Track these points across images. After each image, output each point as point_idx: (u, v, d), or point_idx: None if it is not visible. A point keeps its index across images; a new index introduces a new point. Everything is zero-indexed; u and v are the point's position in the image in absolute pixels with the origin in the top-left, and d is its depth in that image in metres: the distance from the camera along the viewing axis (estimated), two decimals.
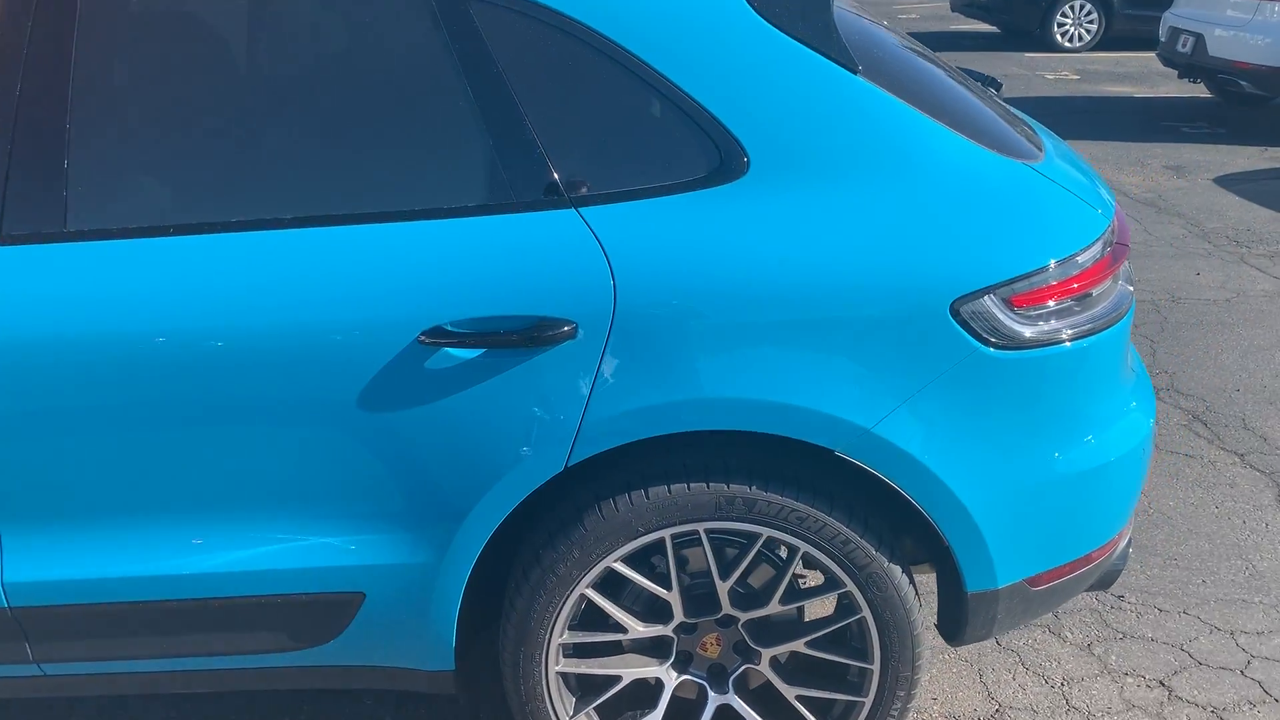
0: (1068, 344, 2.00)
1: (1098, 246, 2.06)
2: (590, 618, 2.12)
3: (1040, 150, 2.24)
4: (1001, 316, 1.94)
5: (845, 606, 2.11)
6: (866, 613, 2.08)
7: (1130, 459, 2.16)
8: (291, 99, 2.07)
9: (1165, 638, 2.80)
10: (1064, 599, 2.28)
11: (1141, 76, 11.07)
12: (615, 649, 2.18)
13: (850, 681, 2.17)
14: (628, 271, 1.90)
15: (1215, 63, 8.40)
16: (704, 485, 1.98)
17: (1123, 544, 2.32)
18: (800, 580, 2.35)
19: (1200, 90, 9.68)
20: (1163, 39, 9.13)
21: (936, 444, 1.97)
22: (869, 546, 2.02)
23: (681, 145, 1.96)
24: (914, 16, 15.67)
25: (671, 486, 1.98)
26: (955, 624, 2.18)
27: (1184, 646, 2.76)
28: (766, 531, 2.02)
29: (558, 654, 2.11)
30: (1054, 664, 2.72)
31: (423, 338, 1.88)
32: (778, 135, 1.97)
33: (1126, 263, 2.27)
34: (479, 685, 2.56)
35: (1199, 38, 8.49)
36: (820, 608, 2.20)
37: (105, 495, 1.98)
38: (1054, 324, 1.99)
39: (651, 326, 1.90)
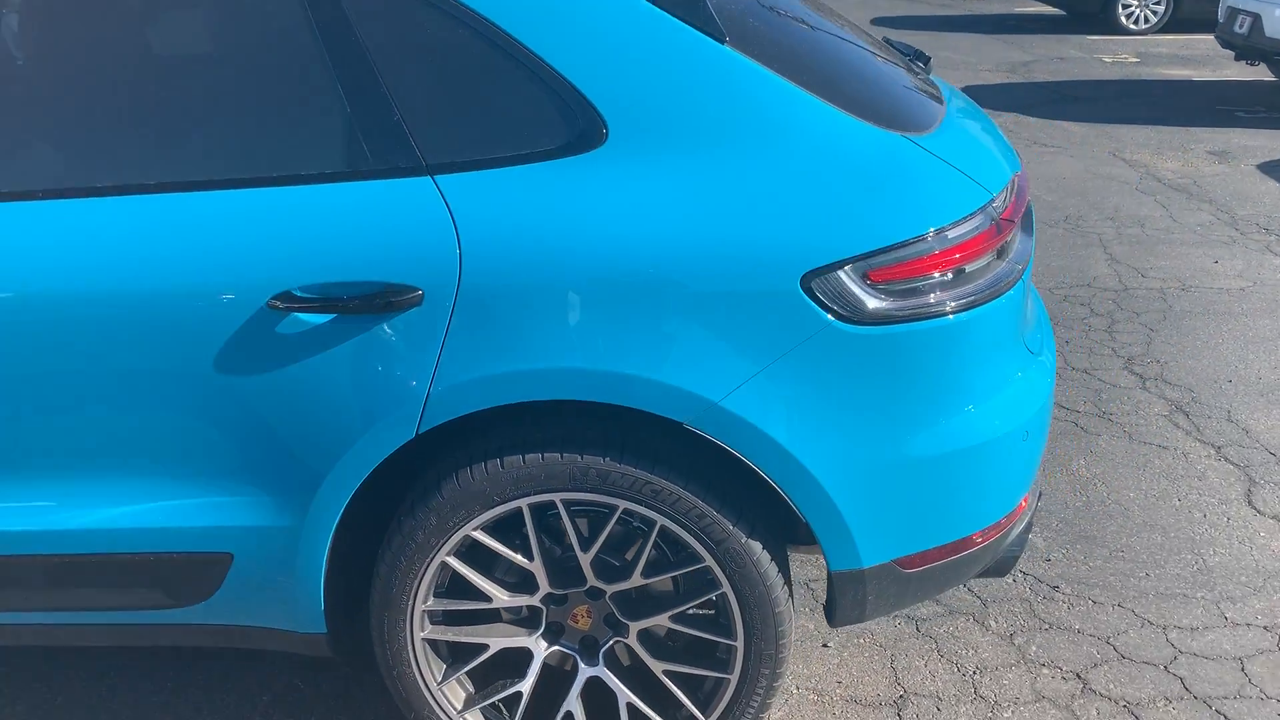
0: (933, 320, 1.96)
1: (973, 221, 2.00)
2: (457, 586, 2.14)
3: (933, 123, 2.18)
4: (857, 291, 1.91)
5: (706, 582, 2.09)
6: (727, 588, 2.06)
7: (1014, 437, 2.10)
8: (149, 62, 2.10)
9: (1092, 630, 2.72)
10: (948, 583, 2.23)
11: (1205, 60, 10.68)
12: (487, 617, 2.19)
13: (718, 658, 2.16)
14: (475, 240, 1.90)
15: (1271, 43, 8.07)
16: (558, 456, 1.98)
17: (1017, 528, 2.26)
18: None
19: (1264, 74, 9.31)
20: (1221, 20, 8.81)
21: (788, 419, 1.94)
22: (726, 521, 2.00)
23: (541, 114, 1.95)
24: None
25: (526, 456, 1.99)
26: (829, 603, 2.15)
27: (1110, 640, 2.68)
28: (623, 504, 2.01)
29: (423, 620, 2.13)
30: (970, 652, 2.66)
31: (272, 302, 1.91)
32: (638, 105, 1.95)
33: (1024, 236, 2.21)
34: (363, 652, 2.59)
35: (1256, 18, 8.17)
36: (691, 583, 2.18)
37: None
38: (918, 300, 1.94)
39: (497, 295, 1.91)
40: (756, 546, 2.03)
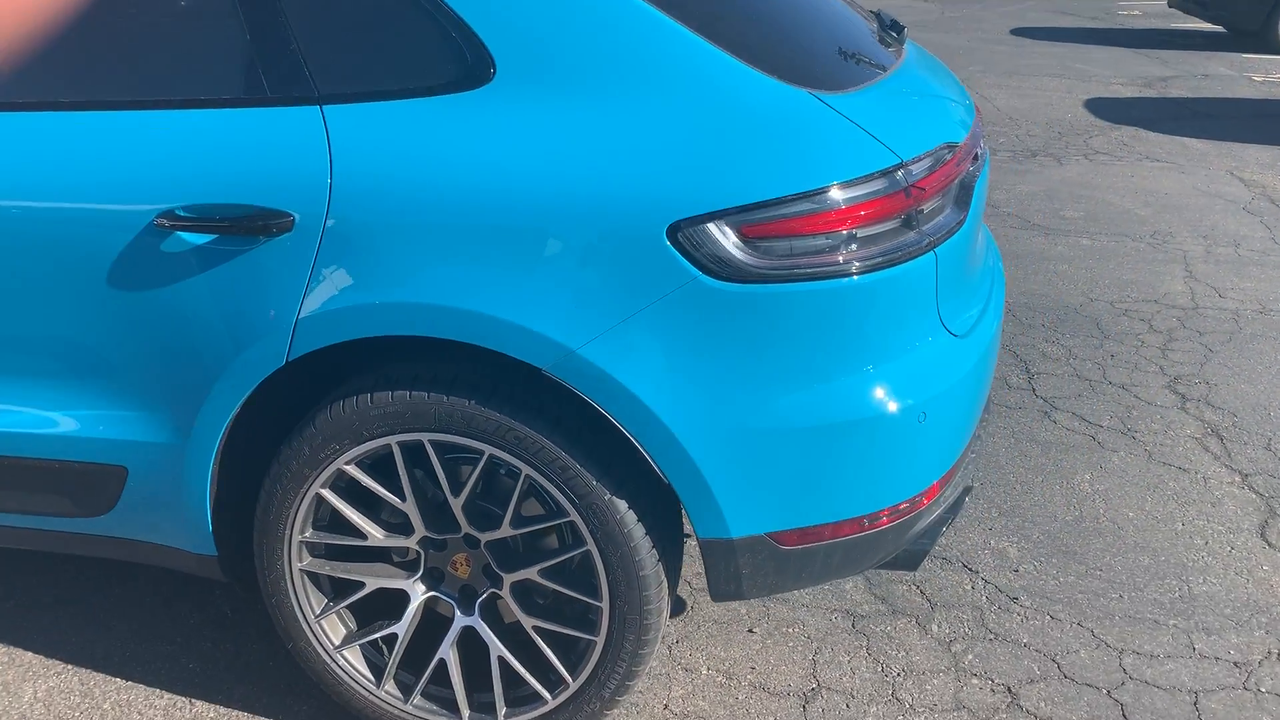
0: (814, 283, 1.86)
1: (870, 184, 1.90)
2: (338, 520, 2.15)
3: (858, 83, 2.08)
4: (729, 246, 1.83)
5: (574, 537, 2.04)
6: (591, 546, 2.01)
7: (906, 417, 1.98)
8: None
9: (1040, 646, 2.54)
10: (842, 569, 2.12)
11: None
12: (369, 555, 2.19)
13: (588, 620, 2.11)
14: (347, 171, 1.91)
15: None
16: (424, 395, 1.97)
17: (923, 519, 2.13)
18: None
19: None
20: None
21: (650, 374, 1.87)
22: (589, 476, 1.95)
23: (433, 49, 1.94)
24: (1136, 14, 14.61)
25: (394, 394, 1.98)
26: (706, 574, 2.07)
27: (1056, 657, 2.50)
28: (489, 450, 1.98)
29: (300, 551, 2.15)
30: (901, 654, 2.52)
31: (158, 220, 1.96)
32: (527, 44, 1.93)
33: (953, 209, 2.08)
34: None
35: None
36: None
37: None
38: (798, 260, 1.86)
39: (364, 227, 1.91)
40: (621, 505, 1.97)
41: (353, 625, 2.25)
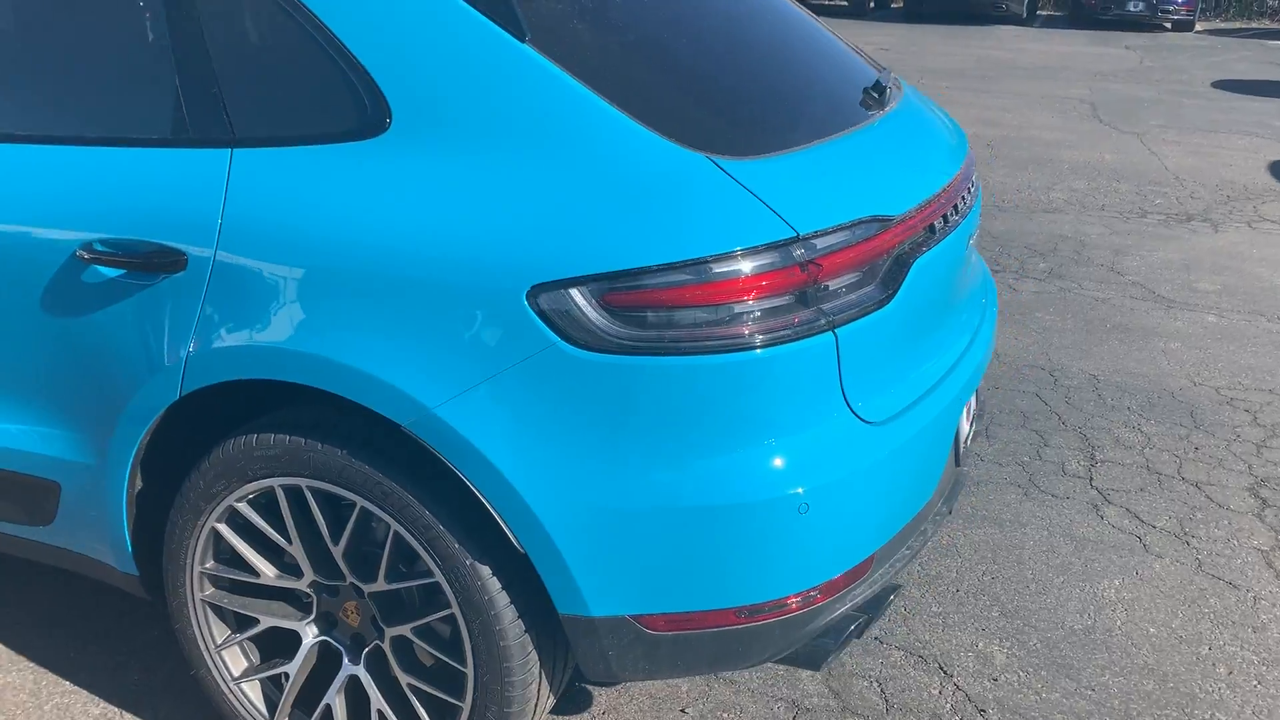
0: (681, 357, 1.76)
1: (756, 258, 1.78)
2: (237, 555, 2.17)
3: (780, 147, 1.96)
4: (590, 313, 1.75)
5: (438, 599, 1.99)
6: (455, 610, 1.95)
7: (781, 507, 1.83)
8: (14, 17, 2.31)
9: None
10: (723, 662, 1.99)
11: None
12: (269, 593, 2.21)
13: (458, 684, 2.05)
14: (237, 213, 1.94)
15: None
16: (301, 441, 1.97)
17: (824, 616, 1.97)
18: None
19: None
20: None
21: (505, 439, 1.81)
22: (451, 539, 1.90)
23: (340, 97, 1.95)
24: None
25: (275, 436, 1.99)
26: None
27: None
28: (361, 501, 1.96)
29: (202, 581, 2.19)
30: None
31: (79, 251, 2.04)
32: (423, 97, 1.91)
33: (875, 287, 1.93)
34: None
35: None
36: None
37: None
38: (665, 332, 1.76)
39: (245, 269, 1.93)
40: (485, 571, 1.91)
41: (255, 659, 2.27)
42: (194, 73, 2.04)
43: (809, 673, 2.59)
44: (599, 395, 1.79)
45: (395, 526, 1.95)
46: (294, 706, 2.23)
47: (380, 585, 2.04)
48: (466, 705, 2.02)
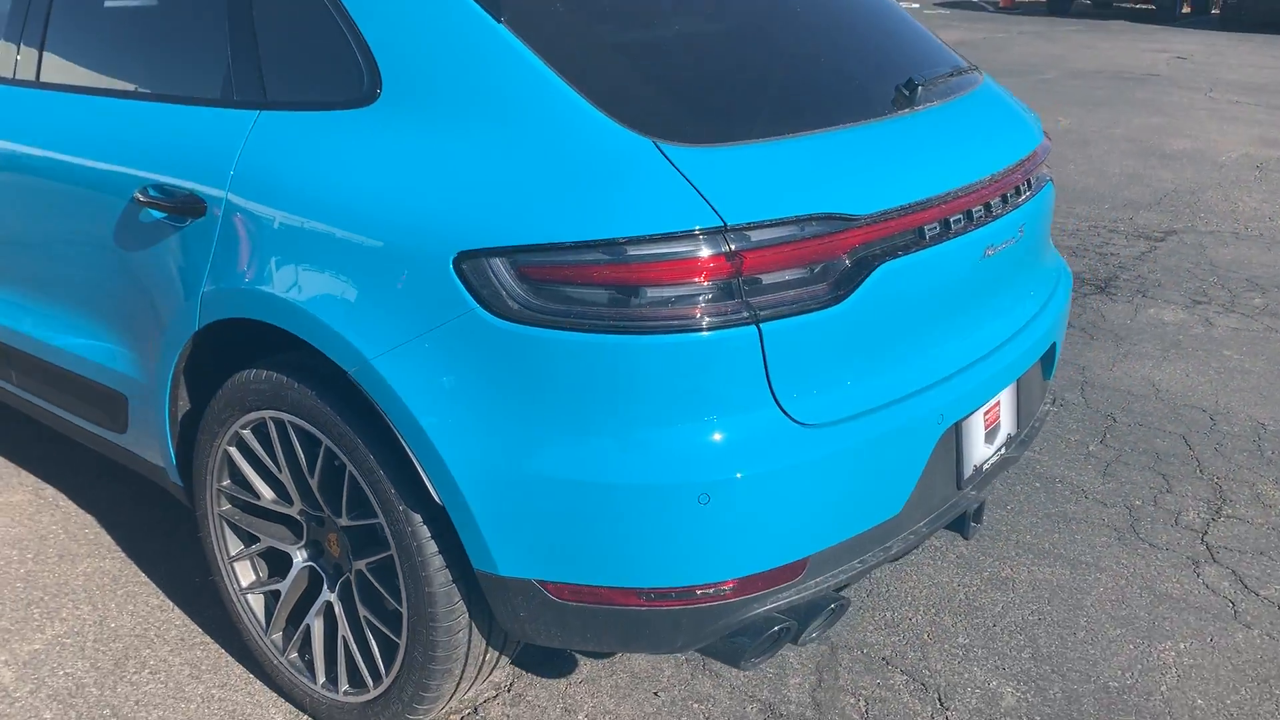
0: (589, 334, 1.80)
1: (676, 244, 1.79)
2: (244, 477, 2.40)
3: (743, 136, 1.95)
4: (507, 283, 1.83)
5: (381, 539, 2.12)
6: (393, 552, 2.08)
7: (679, 494, 1.83)
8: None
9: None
10: (636, 642, 2.01)
11: None
12: (276, 516, 2.42)
13: (398, 623, 2.17)
14: (246, 167, 2.15)
15: None
16: (284, 378, 2.16)
17: (738, 614, 1.95)
18: None
19: None
20: None
21: (428, 395, 1.92)
22: (389, 484, 2.03)
23: (348, 68, 2.12)
24: None
25: (267, 373, 2.19)
26: None
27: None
28: (325, 440, 2.13)
29: (219, 497, 2.43)
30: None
31: (136, 194, 2.33)
32: (410, 70, 2.05)
33: (832, 278, 1.89)
34: None
35: None
36: None
37: None
38: (576, 308, 1.81)
39: (246, 219, 2.14)
40: (416, 519, 2.03)
41: (262, 575, 2.50)
42: (242, 42, 2.27)
43: (796, 679, 2.54)
44: (512, 364, 1.86)
45: (349, 467, 2.10)
46: (287, 623, 2.44)
47: (345, 521, 2.20)
48: (402, 644, 2.15)
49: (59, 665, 2.57)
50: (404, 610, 2.12)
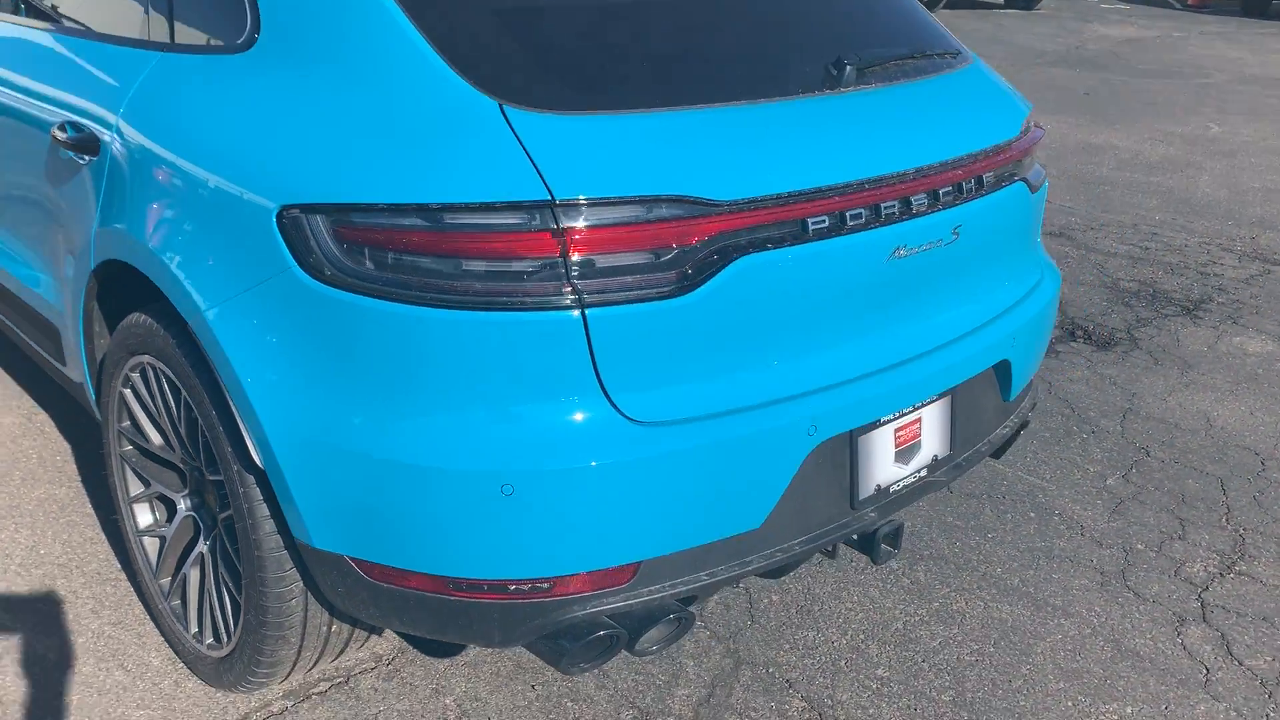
0: (399, 304, 1.70)
1: (497, 216, 1.68)
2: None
3: (614, 109, 1.81)
4: (326, 244, 1.74)
5: (224, 495, 2.08)
6: (233, 510, 2.03)
7: (479, 482, 1.72)
8: None
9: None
10: (451, 629, 1.91)
11: None
12: (161, 461, 2.40)
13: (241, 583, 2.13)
14: (132, 110, 2.14)
15: None
16: (154, 324, 2.13)
17: (557, 614, 1.83)
18: None
19: None
20: None
21: (249, 353, 1.86)
22: (226, 443, 1.98)
23: (235, 13, 2.07)
24: None
25: (144, 317, 2.17)
26: None
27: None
28: (183, 390, 2.10)
29: (120, 438, 2.44)
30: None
31: (54, 131, 2.34)
32: (285, 18, 1.99)
33: (683, 266, 1.75)
34: None
35: None
36: None
37: None
38: (394, 276, 1.71)
39: (126, 161, 2.12)
40: (250, 480, 1.97)
41: (159, 518, 2.50)
42: None
43: (686, 690, 2.39)
44: (325, 329, 1.77)
45: (201, 421, 2.06)
46: (175, 569, 2.43)
47: (209, 474, 2.17)
48: (243, 603, 2.11)
49: (31, 584, 2.65)
50: (245, 569, 2.07)
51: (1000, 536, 3.02)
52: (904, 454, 2.17)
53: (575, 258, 1.70)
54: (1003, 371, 2.38)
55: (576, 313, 1.71)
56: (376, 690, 2.37)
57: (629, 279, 1.74)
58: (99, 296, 2.37)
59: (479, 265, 1.69)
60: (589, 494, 1.77)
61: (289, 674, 2.18)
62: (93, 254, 2.26)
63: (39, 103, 2.47)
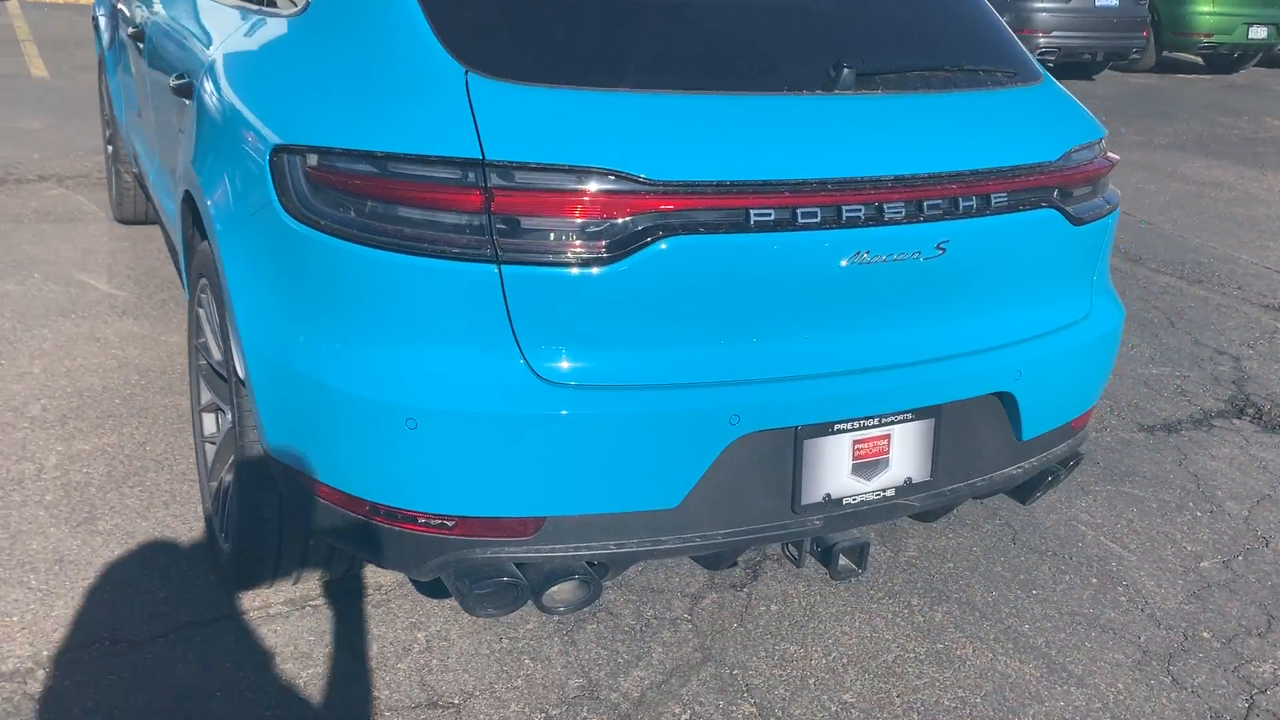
0: (351, 244, 1.87)
1: (434, 169, 1.82)
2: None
3: (577, 84, 1.91)
4: (299, 181, 1.94)
5: None
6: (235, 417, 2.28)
7: (387, 413, 1.85)
8: None
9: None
10: (378, 557, 2.05)
11: None
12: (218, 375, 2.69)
13: None
14: (216, 61, 2.43)
15: None
16: (206, 245, 2.41)
17: (458, 551, 1.94)
18: None
19: None
20: None
21: (239, 273, 2.09)
22: (234, 342, 2.20)
23: None
24: None
25: (205, 243, 2.45)
26: None
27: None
28: (217, 309, 2.36)
29: (196, 352, 2.76)
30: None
31: (171, 80, 2.69)
32: None
33: (613, 238, 1.84)
34: None
35: None
36: None
37: None
38: (342, 214, 1.88)
39: (202, 104, 2.42)
40: (242, 390, 2.20)
41: (220, 426, 2.79)
42: None
43: (642, 672, 2.42)
44: (289, 259, 1.97)
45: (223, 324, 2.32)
46: (220, 477, 2.72)
47: None
48: (236, 504, 2.35)
49: (88, 466, 3.07)
50: (232, 477, 2.31)
51: (1046, 595, 2.83)
52: (864, 468, 2.11)
53: (500, 216, 1.81)
54: (1010, 405, 2.26)
55: (495, 268, 1.81)
56: (363, 614, 2.55)
57: (552, 243, 1.82)
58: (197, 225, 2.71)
59: (414, 213, 1.83)
60: (491, 441, 1.86)
61: (274, 579, 2.40)
62: (181, 182, 2.59)
63: (175, 53, 2.85)
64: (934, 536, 3.03)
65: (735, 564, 2.80)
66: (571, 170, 1.81)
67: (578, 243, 1.82)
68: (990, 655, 2.58)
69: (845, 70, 2.06)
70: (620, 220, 1.83)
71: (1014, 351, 2.21)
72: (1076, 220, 2.27)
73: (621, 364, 1.90)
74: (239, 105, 2.19)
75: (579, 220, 1.82)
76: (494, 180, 1.80)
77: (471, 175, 1.80)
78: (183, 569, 2.66)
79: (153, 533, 2.79)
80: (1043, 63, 11.87)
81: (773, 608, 2.69)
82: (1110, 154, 2.46)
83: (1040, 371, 2.26)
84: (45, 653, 2.35)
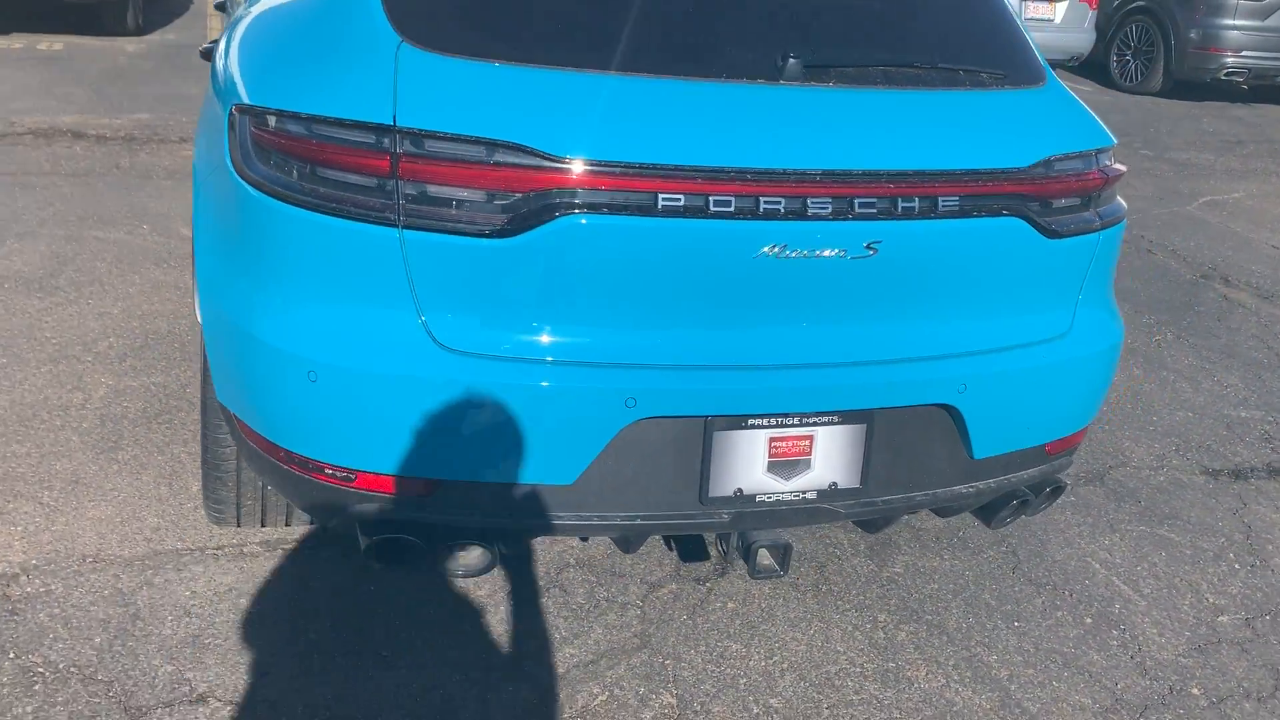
0: (273, 199, 1.96)
1: (348, 131, 1.89)
2: None
3: (509, 60, 1.95)
4: (246, 140, 2.05)
5: None
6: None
7: (290, 363, 1.93)
8: None
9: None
10: (293, 500, 2.14)
11: None
12: None
13: None
14: (232, 27, 2.56)
15: None
16: None
17: (365, 505, 2.01)
18: None
19: None
20: None
21: (202, 224, 2.24)
22: None
23: None
24: None
25: None
26: None
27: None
28: None
29: None
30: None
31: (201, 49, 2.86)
32: None
33: (510, 212, 1.88)
34: None
35: None
36: None
37: None
38: (269, 171, 1.98)
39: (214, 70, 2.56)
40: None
41: None
42: None
43: (575, 650, 2.44)
44: (233, 213, 2.07)
45: None
46: None
47: None
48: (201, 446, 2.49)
49: (129, 401, 3.30)
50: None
51: (1027, 629, 2.69)
52: (782, 467, 2.07)
53: (407, 181, 1.86)
54: (958, 420, 2.16)
55: (398, 232, 1.87)
56: (327, 559, 2.66)
57: (456, 212, 1.86)
58: None
59: (331, 174, 1.90)
60: (386, 400, 1.92)
61: (239, 517, 2.53)
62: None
63: (227, 21, 3.03)
64: (928, 555, 2.92)
65: (708, 556, 2.79)
66: (478, 141, 1.85)
67: (481, 214, 1.86)
68: (943, 681, 2.48)
69: (792, 61, 2.02)
70: (524, 194, 1.85)
71: (959, 364, 2.11)
72: (1051, 232, 2.15)
73: (518, 336, 1.92)
74: (219, 67, 2.33)
75: (483, 191, 1.86)
76: (404, 146, 1.85)
77: (386, 140, 1.86)
78: (180, 502, 2.83)
79: (166, 467, 2.98)
80: (1230, 84, 11.06)
81: (729, 605, 2.65)
82: (1116, 165, 2.31)
83: (992, 387, 2.15)
84: (34, 561, 2.56)
